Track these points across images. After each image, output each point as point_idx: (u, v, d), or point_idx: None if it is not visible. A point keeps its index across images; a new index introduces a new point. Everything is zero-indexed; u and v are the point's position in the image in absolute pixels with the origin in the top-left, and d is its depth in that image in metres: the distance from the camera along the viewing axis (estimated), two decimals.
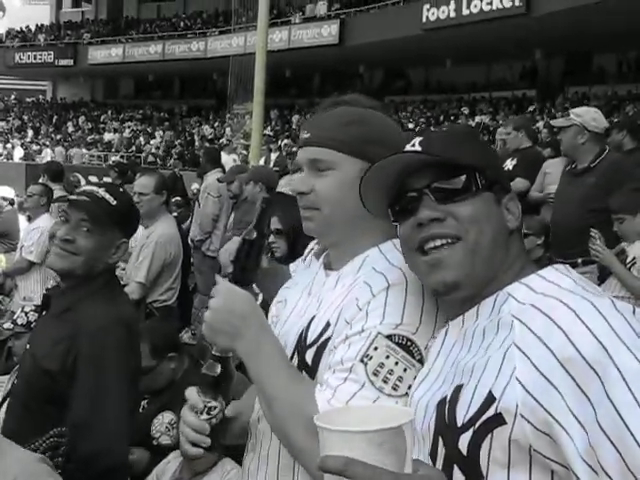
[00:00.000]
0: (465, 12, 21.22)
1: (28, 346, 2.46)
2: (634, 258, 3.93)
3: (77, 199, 2.38)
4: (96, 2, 39.18)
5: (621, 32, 18.84)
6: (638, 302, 3.56)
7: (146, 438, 3.32)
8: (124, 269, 5.21)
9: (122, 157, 24.50)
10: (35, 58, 35.82)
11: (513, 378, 1.08)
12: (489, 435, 1.10)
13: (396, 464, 0.96)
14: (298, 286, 1.70)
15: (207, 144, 22.64)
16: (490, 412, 1.10)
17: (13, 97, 39.89)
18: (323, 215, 1.53)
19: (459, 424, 1.14)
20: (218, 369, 1.53)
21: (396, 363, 1.34)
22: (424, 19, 22.26)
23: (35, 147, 31.08)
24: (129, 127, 32.00)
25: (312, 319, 1.52)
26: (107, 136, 31.36)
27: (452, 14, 21.54)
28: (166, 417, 3.30)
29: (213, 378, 1.53)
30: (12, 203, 9.64)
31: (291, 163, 7.59)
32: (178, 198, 9.17)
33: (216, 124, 29.40)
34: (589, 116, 4.75)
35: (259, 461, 1.55)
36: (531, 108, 21.91)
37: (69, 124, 34.62)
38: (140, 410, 3.44)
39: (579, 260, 4.46)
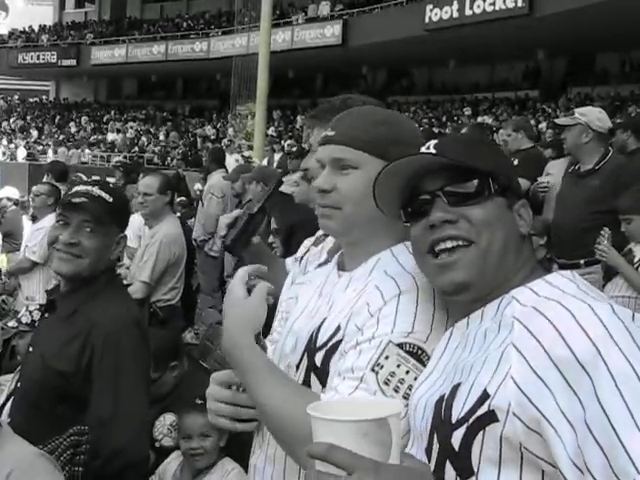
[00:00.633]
0: (468, 12, 21.24)
1: (31, 348, 2.46)
2: None
3: (76, 201, 2.35)
4: (99, 2, 39.27)
5: (624, 33, 18.84)
6: None
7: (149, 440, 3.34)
8: (128, 267, 5.23)
9: (125, 157, 24.52)
10: (38, 58, 35.90)
11: (508, 376, 1.09)
12: (481, 432, 1.10)
13: (380, 455, 0.99)
14: (311, 284, 1.70)
15: (209, 144, 22.66)
16: (483, 409, 1.11)
17: (16, 97, 39.97)
18: (344, 214, 1.52)
19: (453, 421, 1.15)
20: None
21: (407, 372, 1.34)
22: (427, 20, 22.27)
23: (39, 147, 31.15)
24: (132, 127, 32.05)
25: (323, 321, 1.51)
26: (110, 136, 31.43)
27: (455, 14, 21.56)
28: (168, 419, 3.31)
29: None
30: (16, 203, 9.68)
31: (290, 163, 7.58)
32: (182, 198, 9.19)
33: (219, 125, 29.43)
34: (594, 116, 4.75)
35: (266, 460, 1.56)
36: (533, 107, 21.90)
37: (72, 124, 34.68)
38: None
39: (581, 261, 4.46)
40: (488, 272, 1.27)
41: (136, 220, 5.36)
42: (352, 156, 1.52)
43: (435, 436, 1.19)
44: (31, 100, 39.88)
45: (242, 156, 13.84)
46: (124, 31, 35.34)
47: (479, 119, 22.19)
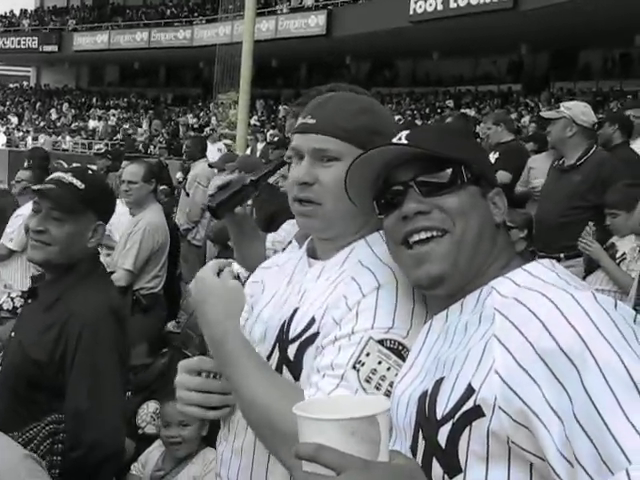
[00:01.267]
0: (453, 5, 21.28)
1: (13, 333, 2.44)
2: (624, 253, 3.97)
3: (43, 188, 2.31)
4: None
5: (607, 29, 18.98)
6: (624, 297, 3.61)
7: (131, 427, 3.33)
8: (109, 255, 5.20)
9: (107, 145, 24.33)
10: (19, 43, 35.49)
11: (492, 370, 1.07)
12: (467, 427, 1.08)
13: (369, 453, 0.97)
14: (279, 270, 1.63)
15: (192, 133, 22.53)
16: (469, 404, 1.09)
17: None
18: (324, 210, 1.45)
19: (439, 417, 1.13)
20: None
21: (388, 369, 1.30)
22: (411, 11, 22.27)
23: (18, 134, 30.80)
24: (114, 115, 31.79)
25: (295, 312, 1.46)
26: (92, 123, 31.15)
27: (439, 7, 21.59)
28: (151, 406, 3.31)
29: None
30: None
31: (272, 153, 7.53)
32: (165, 187, 9.14)
33: (201, 113, 29.28)
34: (578, 110, 4.78)
35: (232, 453, 1.50)
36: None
37: (52, 111, 34.34)
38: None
39: (561, 255, 4.50)
40: (462, 262, 1.25)
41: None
42: (335, 147, 1.44)
43: (420, 433, 1.17)
44: (11, 86, 39.42)
45: (225, 145, 13.79)
46: (107, 17, 35.02)
47: (462, 112, 22.27)
